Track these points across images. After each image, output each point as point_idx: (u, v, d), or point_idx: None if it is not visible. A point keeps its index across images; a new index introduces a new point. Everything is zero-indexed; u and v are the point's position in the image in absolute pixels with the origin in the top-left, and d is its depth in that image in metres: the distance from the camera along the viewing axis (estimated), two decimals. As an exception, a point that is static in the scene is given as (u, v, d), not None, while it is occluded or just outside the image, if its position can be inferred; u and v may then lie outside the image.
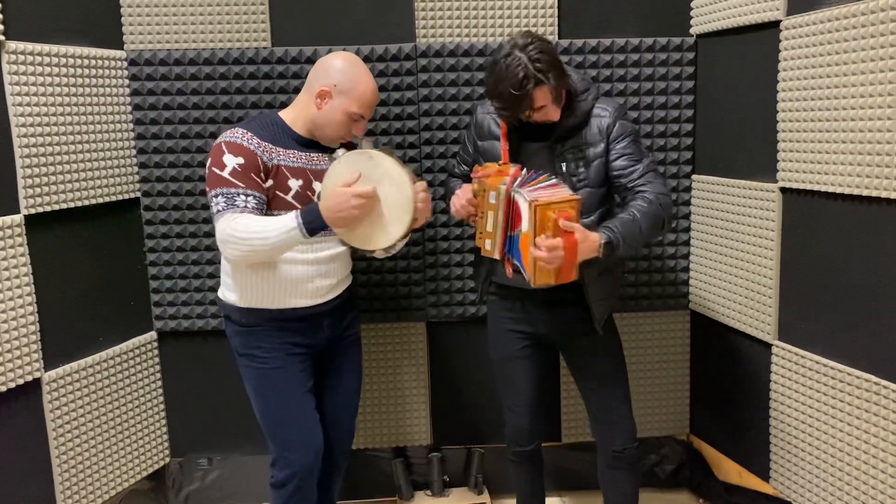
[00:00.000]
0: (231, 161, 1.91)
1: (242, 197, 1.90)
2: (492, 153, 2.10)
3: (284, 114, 2.07)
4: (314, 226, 1.87)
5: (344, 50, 2.50)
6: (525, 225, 1.81)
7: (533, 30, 2.51)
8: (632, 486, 2.26)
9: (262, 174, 1.94)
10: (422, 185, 1.95)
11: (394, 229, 1.92)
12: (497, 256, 1.96)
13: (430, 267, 2.69)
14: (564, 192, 1.85)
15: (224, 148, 1.93)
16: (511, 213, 1.89)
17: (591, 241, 1.79)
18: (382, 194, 1.90)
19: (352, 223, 1.89)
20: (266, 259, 1.96)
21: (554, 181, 1.88)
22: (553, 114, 1.96)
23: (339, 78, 1.98)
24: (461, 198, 2.02)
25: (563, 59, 2.50)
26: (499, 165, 2.01)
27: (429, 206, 1.98)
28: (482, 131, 2.16)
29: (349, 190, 1.86)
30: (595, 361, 2.18)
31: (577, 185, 2.01)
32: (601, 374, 2.18)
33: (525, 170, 1.94)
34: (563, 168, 2.03)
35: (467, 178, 2.20)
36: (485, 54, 2.54)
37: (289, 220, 1.87)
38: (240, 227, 1.87)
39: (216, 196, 1.91)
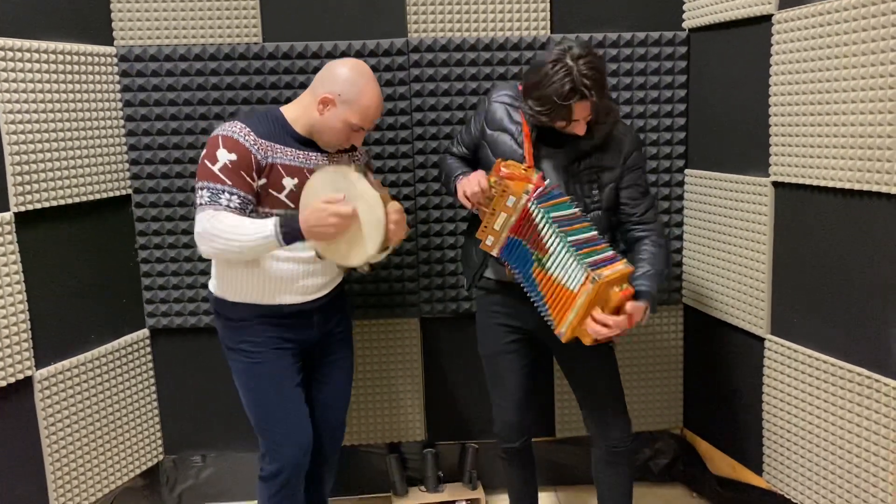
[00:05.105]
0: (224, 156, 1.90)
1: (227, 195, 1.89)
2: (500, 146, 2.06)
3: (286, 110, 2.04)
4: (291, 237, 1.87)
5: (335, 45, 2.50)
6: (578, 296, 1.85)
7: (526, 24, 2.52)
8: (626, 481, 2.26)
9: (253, 173, 1.93)
10: (395, 206, 1.92)
11: (367, 247, 1.91)
12: (494, 253, 1.97)
13: (424, 263, 2.68)
14: (614, 257, 1.88)
15: (220, 141, 1.92)
16: (526, 225, 1.91)
17: (639, 312, 1.88)
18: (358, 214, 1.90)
19: (327, 238, 1.88)
20: (236, 259, 1.97)
21: (591, 230, 1.92)
22: (580, 128, 1.94)
23: (345, 87, 1.95)
24: (473, 183, 1.97)
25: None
26: (524, 169, 1.97)
27: (402, 227, 1.95)
28: (493, 120, 2.10)
29: (330, 207, 1.84)
30: (584, 358, 2.17)
31: (591, 206, 2.03)
32: (591, 371, 2.18)
33: (546, 180, 1.95)
34: (578, 189, 2.02)
35: (464, 159, 2.20)
36: (477, 49, 2.53)
37: (267, 227, 1.85)
38: (219, 226, 1.86)
39: (202, 189, 1.91)
